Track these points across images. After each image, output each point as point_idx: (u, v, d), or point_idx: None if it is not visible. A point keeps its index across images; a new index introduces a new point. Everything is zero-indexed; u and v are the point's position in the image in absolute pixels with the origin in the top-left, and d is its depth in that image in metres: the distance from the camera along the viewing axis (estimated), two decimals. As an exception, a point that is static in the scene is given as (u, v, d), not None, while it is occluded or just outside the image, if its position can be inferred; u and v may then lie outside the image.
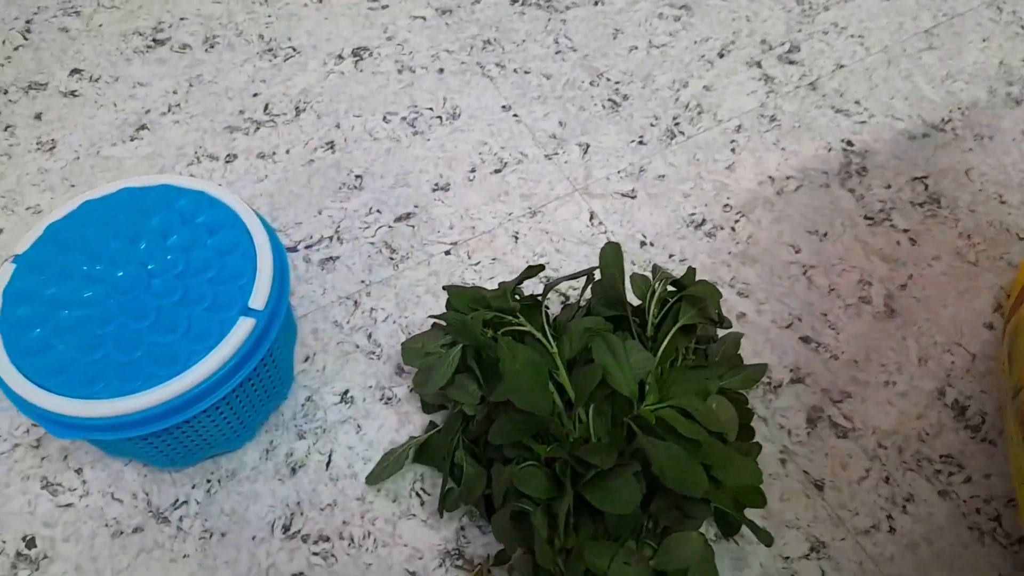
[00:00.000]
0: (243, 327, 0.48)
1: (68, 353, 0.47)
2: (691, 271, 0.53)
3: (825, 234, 0.67)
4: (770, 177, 0.71)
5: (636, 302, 0.55)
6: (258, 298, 0.49)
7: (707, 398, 0.48)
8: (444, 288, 0.55)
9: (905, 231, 0.67)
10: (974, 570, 0.51)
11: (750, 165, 0.71)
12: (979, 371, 0.59)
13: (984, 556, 0.51)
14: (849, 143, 0.72)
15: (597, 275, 0.55)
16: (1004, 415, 0.51)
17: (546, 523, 0.44)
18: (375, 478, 0.55)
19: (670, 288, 0.52)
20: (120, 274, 0.50)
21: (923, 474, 0.55)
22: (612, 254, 0.54)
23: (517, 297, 0.53)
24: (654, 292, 0.51)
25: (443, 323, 0.53)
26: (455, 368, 0.51)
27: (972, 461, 0.55)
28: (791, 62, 0.79)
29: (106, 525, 0.55)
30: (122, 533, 0.55)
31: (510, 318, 0.50)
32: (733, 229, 0.67)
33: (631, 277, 0.53)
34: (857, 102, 0.75)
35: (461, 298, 0.52)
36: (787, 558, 0.52)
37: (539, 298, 0.52)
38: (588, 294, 0.55)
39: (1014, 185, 0.69)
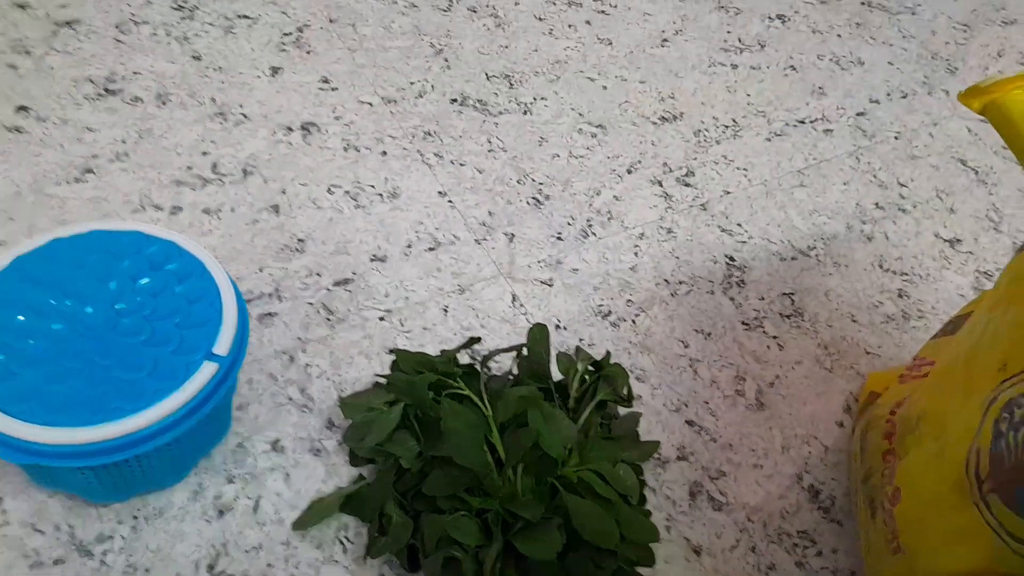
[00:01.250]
0: (207, 370, 0.52)
1: (33, 382, 0.49)
2: (608, 355, 0.61)
3: (709, 333, 0.77)
4: (666, 280, 0.81)
5: (557, 377, 0.62)
6: (222, 344, 0.53)
7: (615, 465, 0.55)
8: (392, 351, 0.61)
9: (774, 337, 0.78)
10: (821, 629, 0.60)
11: (650, 268, 0.82)
12: (831, 461, 0.70)
13: (829, 617, 0.61)
14: (731, 259, 0.84)
15: (524, 351, 0.63)
16: (856, 497, 0.62)
17: (474, 570, 0.50)
18: (302, 524, 0.59)
19: (589, 368, 0.60)
20: (89, 311, 0.53)
21: (783, 546, 0.64)
22: (540, 334, 0.62)
23: (457, 364, 0.59)
24: (576, 371, 0.59)
25: (384, 382, 0.59)
26: (396, 425, 0.56)
27: (823, 537, 0.65)
28: (687, 184, 0.91)
29: (24, 556, 0.55)
30: (42, 564, 0.55)
31: (451, 382, 0.56)
32: (634, 322, 0.77)
33: (556, 356, 0.61)
34: (739, 224, 0.88)
35: (407, 360, 0.58)
36: (670, 613, 0.59)
37: (475, 366, 0.59)
38: (515, 368, 0.63)
39: (863, 307, 0.82)
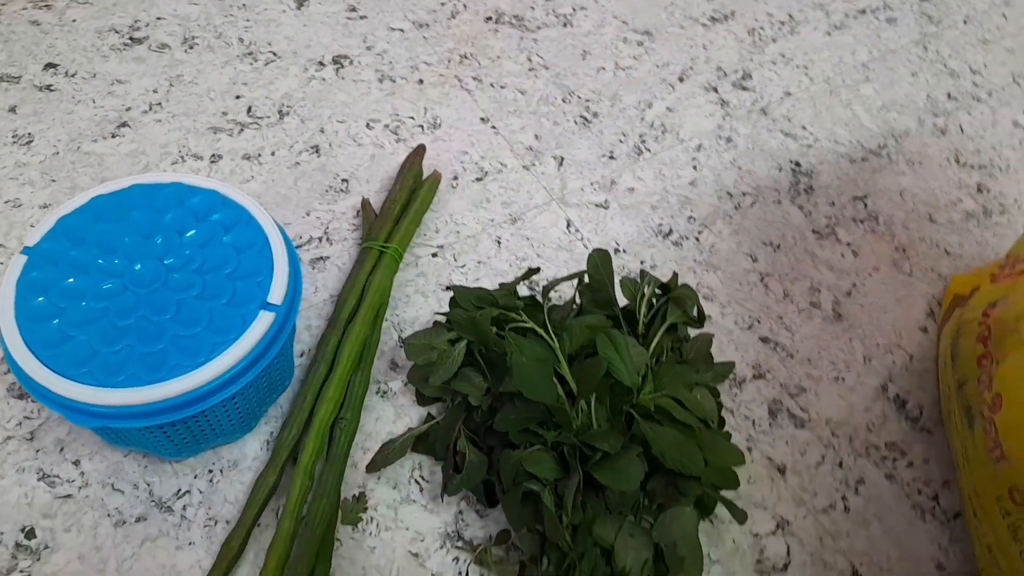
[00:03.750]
0: (263, 321, 0.50)
1: (89, 344, 0.48)
2: (675, 276, 0.58)
3: (778, 246, 0.73)
4: (728, 193, 0.77)
5: (622, 303, 0.59)
6: (276, 293, 0.51)
7: (692, 390, 0.53)
8: (449, 288, 0.59)
9: (848, 244, 0.74)
10: (917, 543, 0.58)
11: (710, 181, 0.77)
12: (916, 369, 0.66)
13: (925, 531, 0.58)
14: (797, 164, 0.80)
15: (585, 278, 0.60)
16: (948, 406, 0.58)
17: (553, 502, 0.48)
18: (375, 466, 0.58)
19: (656, 291, 0.57)
20: (138, 268, 0.51)
21: (871, 460, 0.62)
22: (600, 260, 0.59)
23: (517, 296, 0.57)
24: (643, 295, 0.56)
25: (444, 319, 0.57)
26: (460, 362, 0.54)
27: (912, 448, 0.62)
28: (744, 88, 0.86)
29: (108, 515, 0.56)
30: (125, 523, 0.55)
31: (514, 315, 0.54)
32: (697, 239, 0.73)
33: (620, 281, 0.58)
34: (803, 127, 0.83)
35: (466, 296, 0.56)
36: (756, 535, 0.57)
37: (537, 298, 0.57)
38: (577, 297, 0.60)
39: (941, 206, 0.77)
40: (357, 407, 0.59)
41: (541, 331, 0.53)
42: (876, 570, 0.56)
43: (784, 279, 0.71)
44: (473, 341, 0.55)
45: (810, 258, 0.73)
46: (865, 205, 0.77)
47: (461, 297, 0.56)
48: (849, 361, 0.67)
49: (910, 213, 0.77)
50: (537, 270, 0.59)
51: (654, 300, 0.57)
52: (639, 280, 0.57)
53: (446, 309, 0.66)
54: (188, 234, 0.53)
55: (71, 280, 0.50)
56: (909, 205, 0.77)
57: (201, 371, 0.48)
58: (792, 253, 0.73)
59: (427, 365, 0.56)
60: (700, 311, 0.58)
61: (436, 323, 0.58)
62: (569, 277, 0.58)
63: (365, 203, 0.70)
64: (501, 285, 0.57)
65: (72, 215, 0.54)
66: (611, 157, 0.78)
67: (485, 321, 0.52)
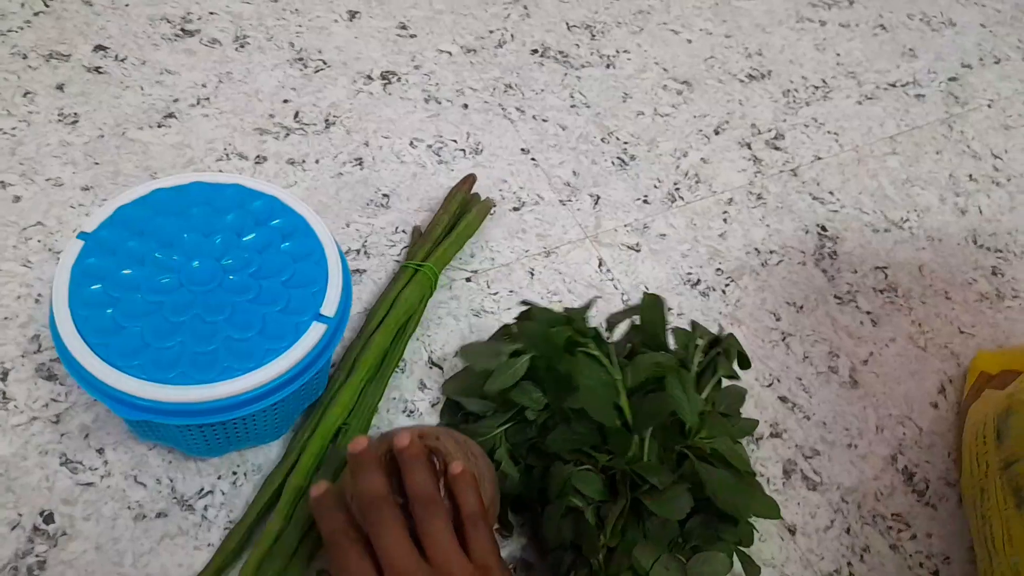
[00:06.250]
0: (315, 331, 0.51)
1: (142, 336, 0.48)
2: (727, 335, 0.60)
3: (801, 307, 0.75)
4: (756, 249, 0.79)
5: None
6: (330, 305, 0.52)
7: (735, 443, 0.54)
8: (523, 302, 0.60)
9: (868, 313, 0.76)
10: (918, 614, 0.59)
11: (739, 235, 0.79)
12: (925, 443, 0.68)
13: (926, 603, 0.60)
14: (823, 228, 0.82)
15: (636, 319, 0.61)
16: (979, 484, 0.59)
17: (595, 522, 0.50)
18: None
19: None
20: (195, 265, 0.52)
21: (877, 529, 0.63)
22: (654, 303, 0.60)
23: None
24: (697, 345, 0.57)
25: (514, 329, 0.59)
26: (522, 374, 0.55)
27: (917, 521, 0.64)
28: (776, 148, 0.88)
29: (128, 507, 0.55)
30: (145, 517, 0.55)
31: (585, 340, 0.55)
32: (724, 292, 0.75)
33: (673, 330, 0.59)
34: (831, 192, 0.85)
35: (541, 314, 0.57)
36: (766, 592, 0.58)
37: (600, 329, 0.58)
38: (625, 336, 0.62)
39: (957, 284, 0.79)
40: (365, 415, 0.60)
41: (606, 361, 0.54)
42: (879, 637, 0.58)
43: (805, 341, 0.73)
44: (537, 356, 0.55)
45: (831, 322, 0.74)
46: (885, 275, 0.79)
47: (536, 313, 0.57)
48: (862, 428, 0.68)
49: (927, 288, 0.79)
50: (596, 299, 0.61)
51: (703, 352, 0.58)
52: (691, 330, 0.59)
53: (476, 334, 0.67)
54: (247, 237, 0.53)
55: (128, 271, 0.51)
56: (927, 280, 0.79)
57: (251, 375, 0.48)
58: (814, 315, 0.75)
59: (483, 372, 0.56)
60: (741, 355, 0.60)
61: (501, 332, 0.60)
62: (629, 312, 0.60)
63: (416, 230, 0.71)
64: (567, 310, 0.59)
65: (131, 205, 0.54)
66: (645, 201, 0.80)
67: (560, 337, 0.54)
